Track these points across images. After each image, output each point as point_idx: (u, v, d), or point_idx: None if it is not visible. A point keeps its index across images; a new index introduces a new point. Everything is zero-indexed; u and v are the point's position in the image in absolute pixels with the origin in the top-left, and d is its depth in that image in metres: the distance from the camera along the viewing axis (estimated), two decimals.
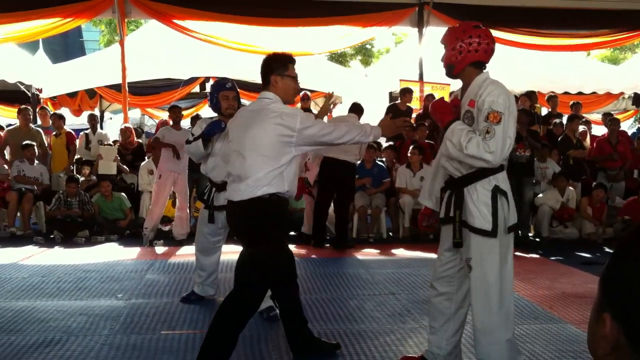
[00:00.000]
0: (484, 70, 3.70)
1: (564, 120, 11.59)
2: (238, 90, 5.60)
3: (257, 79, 11.58)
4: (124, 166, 10.76)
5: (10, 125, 11.84)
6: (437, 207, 3.98)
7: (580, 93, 14.43)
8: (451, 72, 3.75)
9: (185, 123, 16.14)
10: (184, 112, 16.48)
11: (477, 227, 3.56)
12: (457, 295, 3.86)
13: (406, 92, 11.43)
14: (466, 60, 3.64)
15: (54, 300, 5.92)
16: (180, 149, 9.01)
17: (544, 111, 13.38)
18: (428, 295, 4.17)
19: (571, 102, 12.61)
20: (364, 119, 12.34)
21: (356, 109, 9.30)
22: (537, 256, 8.63)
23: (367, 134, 3.97)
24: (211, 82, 14.75)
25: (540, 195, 9.90)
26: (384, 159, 10.59)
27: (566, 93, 13.88)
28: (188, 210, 9.33)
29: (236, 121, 4.04)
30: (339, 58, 23.53)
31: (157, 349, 4.59)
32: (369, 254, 8.73)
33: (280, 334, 4.78)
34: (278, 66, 3.94)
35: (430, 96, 11.32)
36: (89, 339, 4.77)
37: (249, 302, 3.83)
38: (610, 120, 11.30)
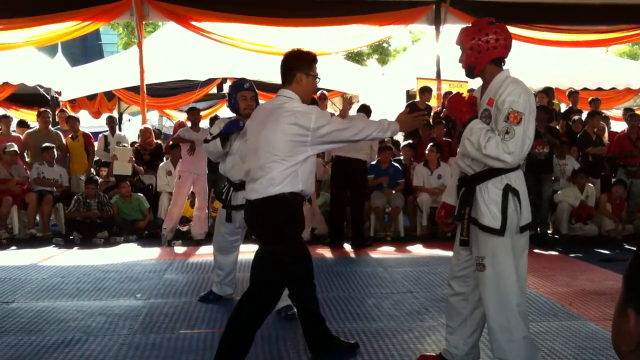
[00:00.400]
0: (504, 67, 3.66)
1: (584, 116, 11.50)
2: (256, 90, 5.60)
3: (274, 79, 11.63)
4: (140, 167, 10.82)
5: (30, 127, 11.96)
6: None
7: (599, 89, 14.29)
8: (472, 73, 3.70)
9: (204, 124, 16.26)
10: (202, 113, 16.64)
11: (486, 225, 3.53)
12: (473, 295, 3.82)
13: (425, 91, 11.40)
14: (486, 59, 3.59)
15: (74, 300, 5.97)
16: (199, 146, 9.12)
17: (563, 107, 13.27)
18: (446, 293, 4.15)
19: (590, 98, 12.50)
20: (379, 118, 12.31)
21: (364, 110, 9.31)
22: (556, 253, 8.57)
23: (384, 129, 3.91)
24: (229, 83, 14.81)
25: (559, 192, 9.82)
26: (401, 158, 10.56)
27: (585, 89, 13.75)
28: (207, 210, 9.39)
29: (253, 120, 4.03)
30: (356, 57, 23.50)
31: (176, 348, 4.61)
32: (386, 252, 8.71)
33: (299, 332, 4.79)
34: (304, 64, 3.89)
35: (449, 94, 11.27)
36: (108, 339, 4.80)
37: (265, 300, 3.83)
38: (630, 116, 11.17)
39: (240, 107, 5.42)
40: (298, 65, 3.87)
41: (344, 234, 9.18)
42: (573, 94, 12.22)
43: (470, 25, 3.74)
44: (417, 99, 11.45)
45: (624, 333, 1.02)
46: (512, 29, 12.18)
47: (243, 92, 5.45)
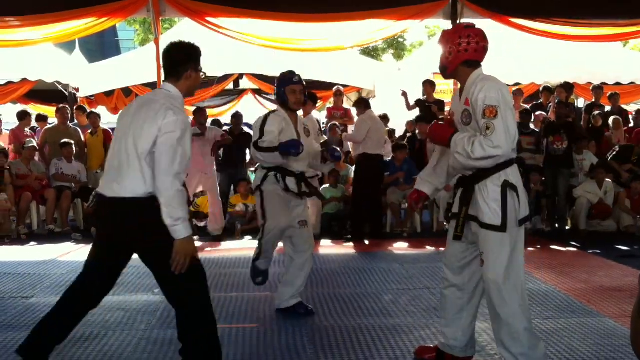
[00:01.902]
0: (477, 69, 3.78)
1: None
2: (304, 83, 5.42)
3: None
4: None
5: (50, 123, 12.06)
6: (432, 193, 4.16)
7: (617, 83, 14.15)
8: (445, 73, 3.92)
9: (225, 119, 16.30)
10: (219, 110, 16.69)
11: (488, 223, 3.65)
12: (469, 285, 3.96)
13: (426, 84, 11.34)
14: (457, 61, 3.77)
15: None
16: (207, 146, 9.36)
17: (580, 102, 13.19)
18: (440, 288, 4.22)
19: (609, 93, 12.39)
20: (394, 115, 12.32)
21: (361, 103, 9.33)
22: (575, 249, 8.52)
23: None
24: (245, 79, 14.87)
25: (578, 187, 9.75)
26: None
27: (603, 84, 13.61)
28: (220, 206, 9.44)
29: (125, 111, 3.78)
30: (371, 52, 23.44)
31: None
32: (403, 248, 8.70)
33: (315, 327, 4.82)
34: (196, 59, 3.71)
35: None
36: (127, 334, 4.84)
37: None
38: None
39: (290, 101, 5.23)
40: (190, 59, 3.68)
41: (364, 230, 9.26)
42: (596, 89, 12.14)
43: (449, 29, 3.99)
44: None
45: None
46: (530, 24, 12.17)
47: (292, 86, 5.24)
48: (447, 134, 3.78)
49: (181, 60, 3.66)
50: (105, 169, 3.74)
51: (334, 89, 9.45)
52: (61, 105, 11.47)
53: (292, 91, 5.23)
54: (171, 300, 3.72)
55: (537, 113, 11.20)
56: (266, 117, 5.18)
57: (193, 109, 15.58)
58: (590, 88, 12.60)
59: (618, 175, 10.05)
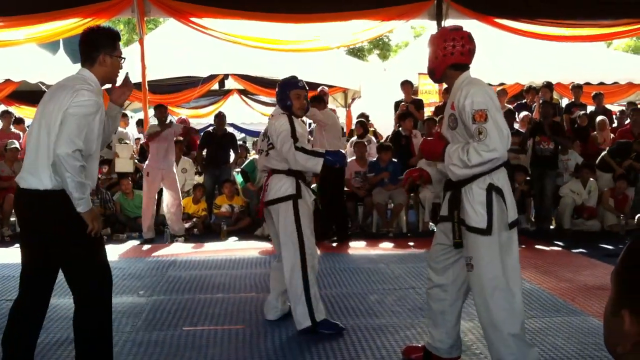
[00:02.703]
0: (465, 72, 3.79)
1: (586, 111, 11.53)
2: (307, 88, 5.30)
3: (276, 75, 11.59)
4: (142, 164, 10.83)
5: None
6: (435, 178, 4.12)
7: (601, 83, 14.27)
8: (434, 77, 4.00)
9: (208, 120, 16.26)
10: (205, 110, 16.65)
11: (473, 226, 3.62)
12: (452, 286, 3.94)
13: (404, 84, 11.34)
14: (443, 64, 3.78)
15: None
16: (170, 143, 9.35)
17: (564, 102, 13.28)
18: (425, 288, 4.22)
19: (593, 93, 12.48)
20: (379, 115, 12.32)
21: (321, 101, 9.23)
22: (559, 248, 8.58)
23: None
24: (230, 79, 14.84)
25: (563, 186, 9.82)
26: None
27: (587, 84, 13.72)
28: (181, 206, 9.41)
29: (43, 99, 3.68)
30: (357, 52, 23.47)
31: (179, 345, 4.63)
32: (388, 248, 8.72)
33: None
34: (108, 43, 3.63)
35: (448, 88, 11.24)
36: (112, 335, 4.80)
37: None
38: (633, 111, 11.17)
39: (294, 106, 5.00)
40: (102, 44, 3.60)
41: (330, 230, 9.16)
42: (575, 88, 12.22)
43: (435, 33, 4.01)
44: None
45: (619, 335, 1.01)
46: (514, 24, 12.23)
47: (297, 91, 5.01)
48: (438, 148, 3.74)
49: (94, 46, 3.61)
50: (24, 159, 3.67)
51: (319, 89, 9.45)
52: None
53: (296, 96, 4.99)
54: (74, 293, 3.68)
55: (523, 114, 11.26)
56: (291, 121, 4.88)
57: (182, 112, 15.63)
58: (570, 87, 12.69)
59: (613, 171, 10.08)
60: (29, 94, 13.76)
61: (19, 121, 12.45)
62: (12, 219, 9.89)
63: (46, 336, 4.80)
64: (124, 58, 3.73)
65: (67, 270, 3.62)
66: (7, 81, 13.12)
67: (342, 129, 11.31)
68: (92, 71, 3.60)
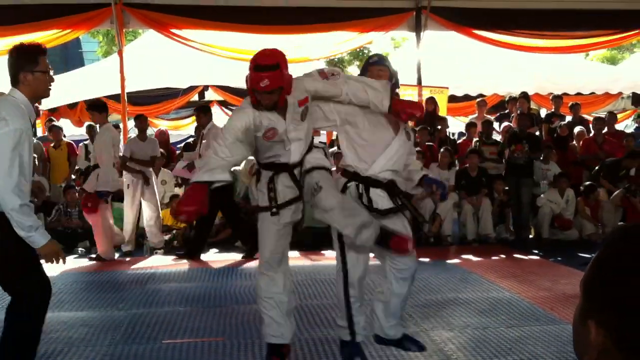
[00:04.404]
0: None
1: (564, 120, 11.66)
2: None
3: None
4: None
5: None
6: None
7: (578, 94, 14.43)
8: None
9: (189, 131, 16.19)
10: (184, 122, 16.60)
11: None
12: None
13: None
14: None
15: (55, 311, 5.90)
16: (148, 165, 9.04)
17: (543, 112, 13.41)
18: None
19: (570, 103, 12.62)
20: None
21: (207, 112, 8.96)
22: (538, 258, 8.63)
23: None
24: (210, 90, 14.81)
25: (542, 196, 9.89)
26: None
27: (565, 94, 13.88)
28: (160, 219, 9.29)
29: None
30: (337, 64, 23.53)
31: (159, 358, 4.60)
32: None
33: None
34: (25, 61, 3.62)
35: (432, 99, 11.30)
36: (90, 350, 4.78)
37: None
38: (595, 120, 11.42)
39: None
40: (19, 65, 3.62)
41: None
42: (556, 98, 12.35)
43: None
44: None
45: (586, 344, 1.02)
46: (492, 35, 12.33)
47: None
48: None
49: (12, 67, 3.64)
50: None
51: None
52: None
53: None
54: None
55: (505, 124, 11.32)
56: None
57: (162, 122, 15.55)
58: (550, 98, 12.82)
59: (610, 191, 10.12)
60: None
61: None
62: None
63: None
64: (47, 71, 3.70)
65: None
66: None
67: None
68: (20, 90, 3.62)
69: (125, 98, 11.29)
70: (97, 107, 8.73)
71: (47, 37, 11.35)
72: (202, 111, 8.94)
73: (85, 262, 8.54)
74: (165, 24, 11.41)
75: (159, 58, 13.39)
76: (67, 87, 13.87)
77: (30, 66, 3.61)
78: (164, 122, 15.92)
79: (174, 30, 11.40)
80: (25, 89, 3.62)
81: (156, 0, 11.14)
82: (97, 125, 8.98)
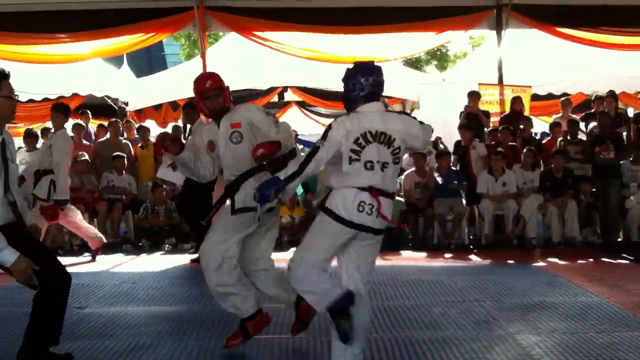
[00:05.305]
0: None
1: None
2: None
3: (334, 87, 11.53)
4: None
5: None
6: None
7: None
8: None
9: None
10: None
11: None
12: None
13: (471, 95, 11.13)
14: None
15: (145, 306, 6.13)
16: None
17: (631, 111, 12.93)
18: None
19: None
20: (439, 126, 12.20)
21: (61, 109, 8.33)
22: (627, 262, 8.34)
23: None
24: (289, 92, 14.99)
25: (631, 198, 9.53)
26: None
27: None
28: None
29: None
30: (415, 63, 23.37)
31: (245, 353, 4.70)
32: (450, 260, 8.65)
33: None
34: None
35: (518, 99, 11.04)
36: (178, 344, 4.90)
37: None
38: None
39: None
40: None
41: None
42: None
43: None
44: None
45: None
46: (575, 32, 11.97)
47: None
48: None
49: None
50: None
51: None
52: (113, 119, 11.75)
53: None
54: None
55: (592, 124, 10.94)
56: None
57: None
58: (638, 97, 12.36)
59: None
60: (95, 107, 14.19)
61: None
62: None
63: (115, 343, 4.91)
64: (11, 96, 3.77)
65: None
66: (74, 95, 13.53)
67: None
68: None
69: None
70: (63, 110, 8.27)
71: (131, 40, 11.77)
72: (193, 107, 8.21)
73: (170, 258, 8.77)
74: (246, 27, 11.63)
75: (239, 60, 13.62)
76: (151, 90, 14.31)
77: None
78: None
79: (256, 33, 11.60)
80: None
81: (237, 3, 11.37)
82: (53, 129, 8.57)
